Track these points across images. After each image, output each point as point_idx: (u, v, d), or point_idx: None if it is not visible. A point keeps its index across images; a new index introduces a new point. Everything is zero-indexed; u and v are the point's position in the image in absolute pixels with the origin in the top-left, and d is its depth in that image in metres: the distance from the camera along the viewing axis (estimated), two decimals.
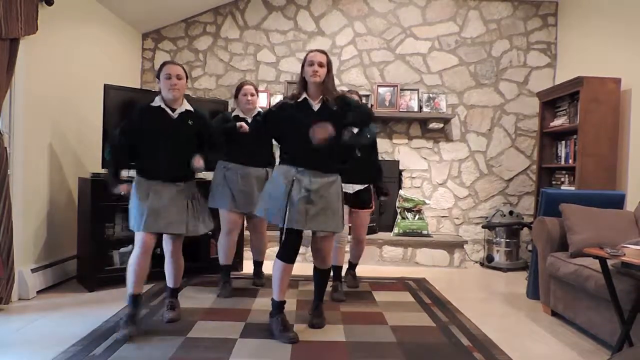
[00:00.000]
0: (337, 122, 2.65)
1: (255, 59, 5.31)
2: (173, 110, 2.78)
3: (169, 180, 2.75)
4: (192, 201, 2.83)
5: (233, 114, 3.55)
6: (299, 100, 2.73)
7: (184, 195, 2.79)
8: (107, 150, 2.85)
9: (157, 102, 2.79)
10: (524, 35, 5.21)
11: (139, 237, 2.65)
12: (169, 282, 2.94)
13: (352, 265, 3.84)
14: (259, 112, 3.51)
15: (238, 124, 3.36)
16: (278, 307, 2.72)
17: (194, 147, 2.82)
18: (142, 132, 2.75)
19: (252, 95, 3.49)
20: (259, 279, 3.78)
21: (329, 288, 3.35)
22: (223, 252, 3.52)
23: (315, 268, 2.89)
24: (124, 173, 2.91)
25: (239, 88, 3.52)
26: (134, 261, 2.62)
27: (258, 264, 3.83)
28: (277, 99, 5.03)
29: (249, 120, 3.47)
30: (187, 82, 2.85)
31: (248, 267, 3.96)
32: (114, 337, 2.57)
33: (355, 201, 3.55)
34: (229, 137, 3.36)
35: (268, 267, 3.99)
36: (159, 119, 2.76)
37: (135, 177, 2.78)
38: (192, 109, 2.85)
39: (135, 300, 2.66)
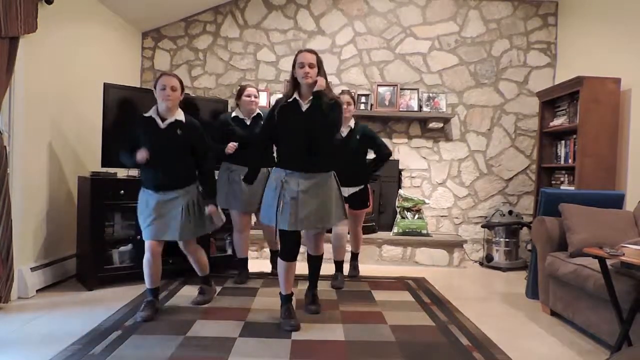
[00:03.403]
0: (325, 121, 2.70)
1: (255, 58, 5.30)
2: (164, 120, 2.83)
3: (163, 189, 2.87)
4: (191, 207, 2.94)
5: (233, 114, 3.65)
6: (289, 100, 2.76)
7: (179, 201, 2.90)
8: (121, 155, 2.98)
9: (151, 112, 2.90)
10: (524, 35, 5.20)
11: (146, 243, 2.89)
12: (198, 273, 3.24)
13: (354, 256, 4.04)
14: (259, 114, 3.67)
15: (227, 147, 3.50)
16: (286, 298, 2.87)
17: (187, 157, 2.94)
18: (139, 143, 2.85)
19: (255, 97, 3.60)
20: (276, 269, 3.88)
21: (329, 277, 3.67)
22: (237, 248, 3.81)
23: (308, 255, 3.06)
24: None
25: (241, 90, 3.63)
26: (145, 264, 2.90)
27: (275, 253, 3.90)
28: (277, 97, 5.02)
29: (248, 122, 3.63)
30: (182, 93, 2.94)
31: (249, 266, 3.95)
32: (131, 322, 2.81)
33: (352, 202, 3.65)
34: (229, 141, 3.53)
35: (265, 266, 4.03)
36: (149, 129, 2.86)
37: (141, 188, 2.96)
38: (183, 119, 2.90)
39: (153, 291, 2.95)
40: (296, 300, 3.31)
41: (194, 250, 3.11)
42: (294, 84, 2.77)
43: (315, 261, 3.06)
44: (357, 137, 3.65)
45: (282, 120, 2.76)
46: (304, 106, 2.74)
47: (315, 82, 2.69)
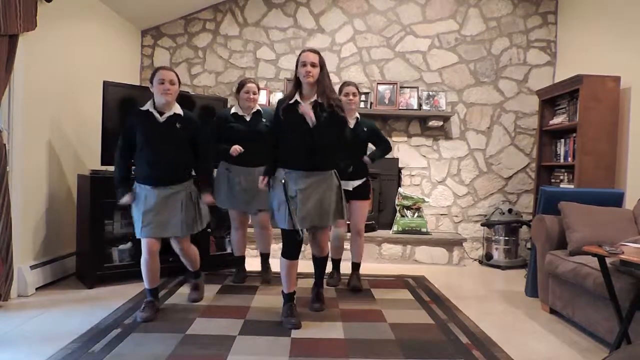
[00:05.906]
0: (326, 124, 2.69)
1: (254, 56, 5.30)
2: (162, 114, 2.82)
3: (160, 184, 2.84)
4: (188, 201, 2.92)
5: (232, 110, 3.59)
6: (290, 102, 2.77)
7: (178, 196, 2.88)
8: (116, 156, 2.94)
9: (147, 106, 2.87)
10: (523, 33, 5.20)
11: (143, 242, 2.85)
12: (189, 268, 3.20)
13: (356, 266, 3.72)
14: (258, 110, 3.60)
15: (232, 149, 3.44)
16: (288, 297, 2.88)
17: (185, 151, 2.92)
18: (135, 137, 2.83)
19: (254, 93, 3.56)
20: (266, 274, 3.80)
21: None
22: (235, 245, 3.80)
23: (313, 256, 3.08)
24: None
25: (241, 85, 3.57)
26: (144, 264, 2.86)
27: (264, 256, 3.85)
28: (277, 96, 5.03)
29: (248, 119, 3.56)
30: (179, 87, 2.93)
31: (247, 264, 3.94)
32: (130, 320, 2.80)
33: (356, 194, 3.58)
34: (229, 139, 3.48)
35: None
36: (147, 123, 2.84)
37: (135, 184, 2.90)
38: (181, 113, 2.90)
39: (152, 291, 2.93)
40: (298, 297, 3.33)
41: (188, 247, 3.06)
42: (297, 84, 2.79)
43: (320, 261, 3.08)
44: (365, 129, 3.60)
45: (284, 121, 2.78)
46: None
47: (317, 81, 2.71)
